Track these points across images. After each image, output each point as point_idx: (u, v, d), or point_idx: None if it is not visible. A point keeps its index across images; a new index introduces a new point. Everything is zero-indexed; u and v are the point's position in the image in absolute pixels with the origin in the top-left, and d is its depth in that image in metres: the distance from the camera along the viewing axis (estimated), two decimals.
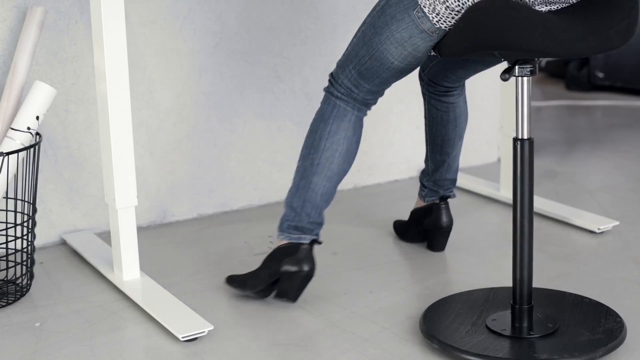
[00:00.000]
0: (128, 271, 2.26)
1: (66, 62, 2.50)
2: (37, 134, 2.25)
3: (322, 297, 2.21)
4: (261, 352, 1.95)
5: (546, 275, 2.29)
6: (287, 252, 2.09)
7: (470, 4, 1.84)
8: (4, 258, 2.26)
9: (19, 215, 2.36)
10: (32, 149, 2.21)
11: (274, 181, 2.89)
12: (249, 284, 2.15)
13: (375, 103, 2.11)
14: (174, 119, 2.70)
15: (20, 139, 2.18)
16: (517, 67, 1.85)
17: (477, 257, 2.44)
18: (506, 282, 2.23)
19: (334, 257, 2.46)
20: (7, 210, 2.33)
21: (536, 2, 1.83)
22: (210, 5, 2.68)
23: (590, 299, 2.09)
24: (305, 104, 2.89)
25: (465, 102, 2.37)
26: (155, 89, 2.65)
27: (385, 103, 2.97)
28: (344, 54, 2.08)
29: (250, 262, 2.42)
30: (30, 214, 2.25)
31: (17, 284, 2.26)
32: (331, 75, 2.11)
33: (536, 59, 1.86)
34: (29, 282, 2.27)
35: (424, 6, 1.89)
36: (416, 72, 2.55)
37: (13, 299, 2.21)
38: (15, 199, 2.26)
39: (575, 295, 2.11)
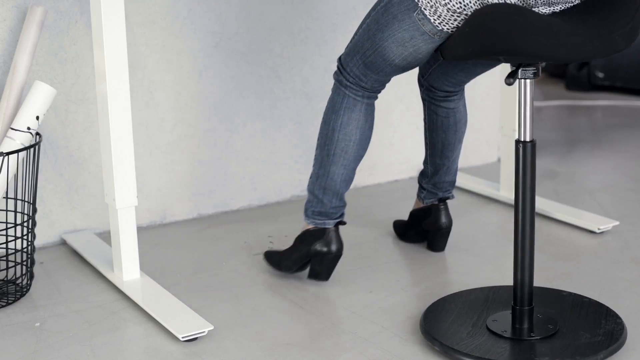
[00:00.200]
0: (128, 271, 2.26)
1: (66, 62, 2.50)
2: (37, 134, 2.25)
3: (322, 297, 2.21)
4: (261, 352, 1.95)
5: (546, 275, 2.29)
6: (315, 235, 2.20)
7: (473, 5, 1.83)
8: (4, 258, 2.26)
9: (19, 215, 2.36)
10: (32, 149, 2.21)
11: (274, 181, 2.89)
12: (283, 265, 2.29)
13: (384, 88, 2.16)
14: (174, 119, 2.70)
15: (20, 139, 2.18)
16: (520, 70, 1.84)
17: (477, 257, 2.44)
18: (506, 282, 2.23)
19: None
20: (7, 210, 2.32)
21: (539, 3, 1.83)
22: (210, 5, 2.68)
23: (590, 299, 2.09)
24: (305, 104, 2.89)
25: (464, 106, 2.37)
26: (155, 89, 2.65)
27: (385, 103, 2.97)
28: (351, 41, 2.12)
29: (250, 262, 2.42)
30: (30, 214, 2.25)
31: (17, 284, 2.26)
32: (339, 61, 2.15)
33: (540, 62, 1.86)
34: (29, 282, 2.27)
35: (424, 8, 1.89)
36: (416, 76, 2.54)
37: (13, 299, 2.21)
38: (15, 199, 2.26)
39: (575, 295, 2.11)
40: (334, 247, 2.20)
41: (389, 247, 2.52)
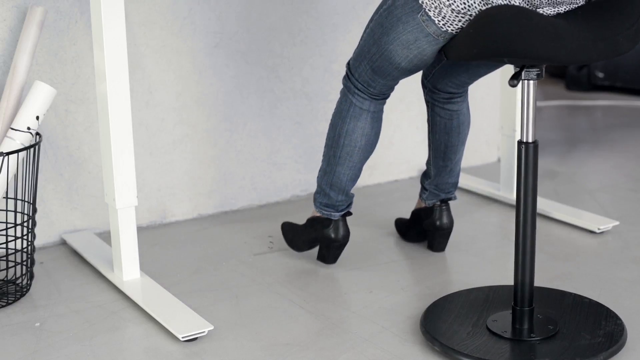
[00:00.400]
0: (128, 271, 2.26)
1: (66, 62, 2.50)
2: (37, 134, 2.25)
3: (322, 297, 2.21)
4: (261, 352, 1.95)
5: (546, 275, 2.29)
6: (323, 223, 2.33)
7: (477, 6, 1.83)
8: (4, 258, 2.26)
9: (19, 215, 2.36)
10: (32, 149, 2.21)
11: (274, 181, 2.89)
12: (294, 244, 2.42)
13: (392, 91, 2.21)
14: (174, 119, 2.69)
15: (20, 139, 2.18)
16: (524, 71, 1.84)
17: (477, 257, 2.44)
18: (506, 282, 2.23)
19: None
20: (7, 210, 2.32)
21: (544, 3, 1.82)
22: (210, 5, 2.68)
23: (590, 300, 2.09)
24: (305, 104, 2.89)
25: (468, 109, 2.37)
26: (155, 89, 2.65)
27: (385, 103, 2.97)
28: (358, 46, 2.13)
29: (251, 262, 2.42)
30: (30, 214, 2.25)
31: (17, 284, 2.26)
32: (348, 66, 2.18)
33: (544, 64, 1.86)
34: (29, 282, 2.27)
35: (428, 10, 1.88)
36: (417, 76, 2.54)
37: (13, 299, 2.21)
38: (15, 199, 2.25)
39: (576, 295, 2.11)
40: (340, 236, 2.32)
41: (389, 247, 2.52)
